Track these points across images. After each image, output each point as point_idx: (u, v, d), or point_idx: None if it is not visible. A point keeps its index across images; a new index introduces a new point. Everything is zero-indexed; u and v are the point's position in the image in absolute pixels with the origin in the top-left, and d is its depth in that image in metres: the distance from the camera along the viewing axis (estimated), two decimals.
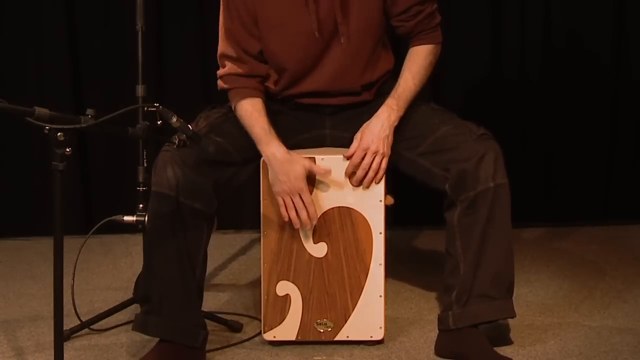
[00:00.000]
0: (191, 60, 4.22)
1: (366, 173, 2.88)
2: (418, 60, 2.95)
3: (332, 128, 3.03)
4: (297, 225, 2.88)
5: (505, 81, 4.29)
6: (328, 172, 2.89)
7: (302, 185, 2.85)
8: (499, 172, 2.83)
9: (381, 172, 2.89)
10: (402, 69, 2.95)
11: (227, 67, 2.95)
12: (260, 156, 2.89)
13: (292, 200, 2.86)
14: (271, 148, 2.86)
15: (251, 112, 2.90)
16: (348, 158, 2.89)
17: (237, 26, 2.91)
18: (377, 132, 2.87)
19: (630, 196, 4.36)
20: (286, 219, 2.88)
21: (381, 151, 2.87)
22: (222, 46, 2.95)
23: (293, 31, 2.88)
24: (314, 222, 2.89)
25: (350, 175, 2.90)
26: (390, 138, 2.88)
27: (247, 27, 2.90)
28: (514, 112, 4.29)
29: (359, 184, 2.89)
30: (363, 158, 2.87)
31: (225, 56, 2.95)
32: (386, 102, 2.90)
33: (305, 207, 2.86)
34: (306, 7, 2.85)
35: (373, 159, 2.87)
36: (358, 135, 2.89)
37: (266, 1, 2.87)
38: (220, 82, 2.98)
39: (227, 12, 2.92)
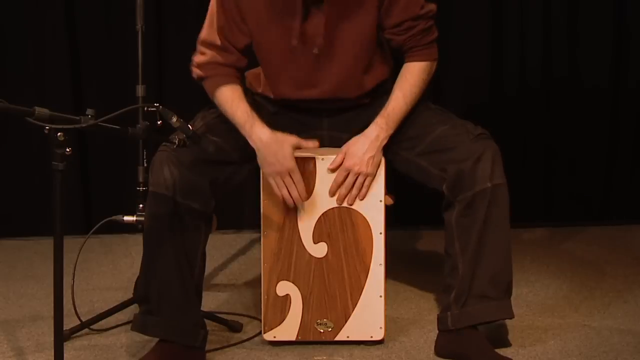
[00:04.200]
0: (191, 61, 4.21)
1: (349, 191, 2.88)
2: (410, 78, 2.90)
3: (330, 129, 3.02)
4: (290, 202, 2.87)
5: (506, 81, 4.29)
6: (316, 145, 2.90)
7: (291, 164, 2.83)
8: (497, 172, 2.82)
9: (364, 189, 2.88)
10: (394, 86, 2.91)
11: (207, 56, 2.92)
12: None
13: (282, 180, 2.84)
14: (256, 131, 2.84)
15: (232, 98, 2.88)
16: (332, 170, 2.88)
17: (228, 21, 2.88)
18: (361, 153, 2.85)
19: (630, 196, 4.36)
20: (280, 199, 2.87)
21: (364, 172, 2.85)
22: (208, 34, 2.91)
23: (277, 35, 2.85)
24: (305, 199, 2.87)
25: (333, 193, 2.89)
26: (377, 158, 2.86)
27: (237, 22, 2.88)
28: (514, 112, 4.28)
29: (342, 201, 2.89)
30: (346, 177, 2.87)
31: (209, 44, 2.91)
32: (375, 121, 2.88)
33: (296, 185, 2.85)
34: (292, 15, 2.82)
35: (356, 179, 2.86)
36: (343, 150, 2.87)
37: (255, 2, 2.85)
38: (196, 70, 2.95)
39: (220, 5, 2.89)
